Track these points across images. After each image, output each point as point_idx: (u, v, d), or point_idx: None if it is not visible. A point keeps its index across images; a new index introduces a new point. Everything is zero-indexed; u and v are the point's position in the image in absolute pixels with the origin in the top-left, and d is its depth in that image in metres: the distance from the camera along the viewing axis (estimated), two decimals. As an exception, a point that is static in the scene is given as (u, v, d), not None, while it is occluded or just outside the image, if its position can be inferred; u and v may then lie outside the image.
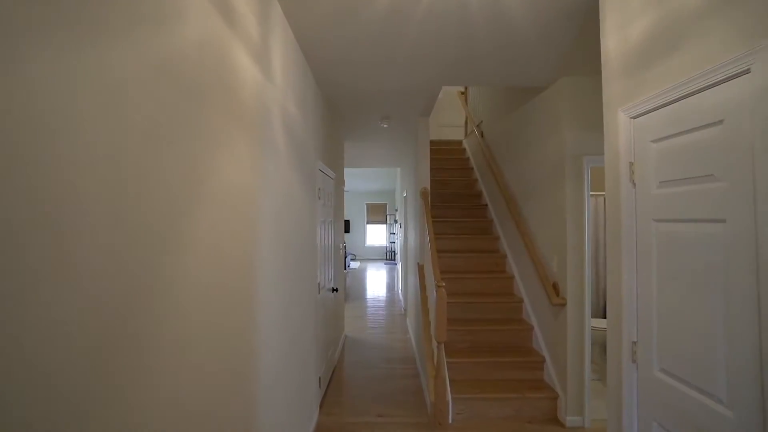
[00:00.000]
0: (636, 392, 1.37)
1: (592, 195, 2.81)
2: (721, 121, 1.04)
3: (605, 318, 3.70)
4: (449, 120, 6.43)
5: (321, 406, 2.96)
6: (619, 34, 1.49)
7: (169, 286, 0.88)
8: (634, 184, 1.40)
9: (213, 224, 1.10)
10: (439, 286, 2.52)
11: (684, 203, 1.18)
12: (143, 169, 0.79)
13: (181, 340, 0.93)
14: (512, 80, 2.79)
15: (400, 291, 7.38)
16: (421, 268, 3.66)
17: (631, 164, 1.41)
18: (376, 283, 8.95)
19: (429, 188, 3.67)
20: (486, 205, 4.53)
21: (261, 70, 1.53)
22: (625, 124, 1.44)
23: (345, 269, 10.05)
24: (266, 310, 1.60)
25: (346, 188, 12.08)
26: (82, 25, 0.64)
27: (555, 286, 2.76)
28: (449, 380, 2.75)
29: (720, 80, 1.03)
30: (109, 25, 0.70)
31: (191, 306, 0.98)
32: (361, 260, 13.22)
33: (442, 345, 2.54)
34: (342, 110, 3.56)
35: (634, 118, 1.40)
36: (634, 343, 1.39)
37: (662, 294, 1.27)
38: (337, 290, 3.64)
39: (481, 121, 4.89)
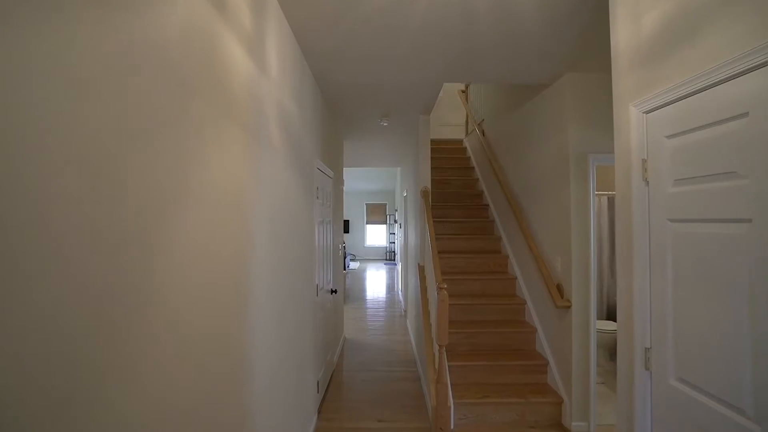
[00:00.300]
0: (650, 402, 1.30)
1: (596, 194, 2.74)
2: (745, 114, 0.97)
3: (609, 320, 3.64)
4: (450, 119, 6.35)
5: (319, 411, 2.89)
6: (630, 25, 1.42)
7: (160, 286, 0.84)
8: (647, 183, 1.33)
9: (204, 224, 1.04)
10: (440, 288, 2.45)
11: (703, 202, 1.11)
12: (129, 166, 0.74)
13: (174, 341, 0.89)
14: (515, 77, 2.72)
15: (400, 292, 7.31)
16: (421, 269, 3.59)
17: (644, 161, 1.34)
18: (375, 283, 8.88)
19: (430, 187, 3.60)
20: (487, 204, 4.46)
21: (254, 63, 1.46)
22: (637, 120, 1.37)
23: (344, 270, 10.00)
24: (261, 311, 1.53)
25: (345, 188, 12.03)
26: (49, 3, 0.57)
27: (559, 288, 2.69)
28: (450, 384, 2.68)
29: (745, 70, 0.96)
30: (82, 5, 0.63)
31: (182, 306, 0.93)
32: (360, 260, 13.16)
33: (444, 348, 2.46)
34: (341, 108, 3.49)
35: (647, 113, 1.33)
36: (648, 349, 1.32)
37: (679, 298, 1.20)
38: (336, 291, 3.57)
39: (483, 120, 4.82)
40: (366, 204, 13.34)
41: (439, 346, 2.45)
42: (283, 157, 1.89)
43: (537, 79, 2.74)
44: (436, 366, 2.69)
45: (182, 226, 0.93)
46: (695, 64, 1.13)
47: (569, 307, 2.55)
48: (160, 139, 0.84)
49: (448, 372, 2.64)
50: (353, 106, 3.43)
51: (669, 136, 1.23)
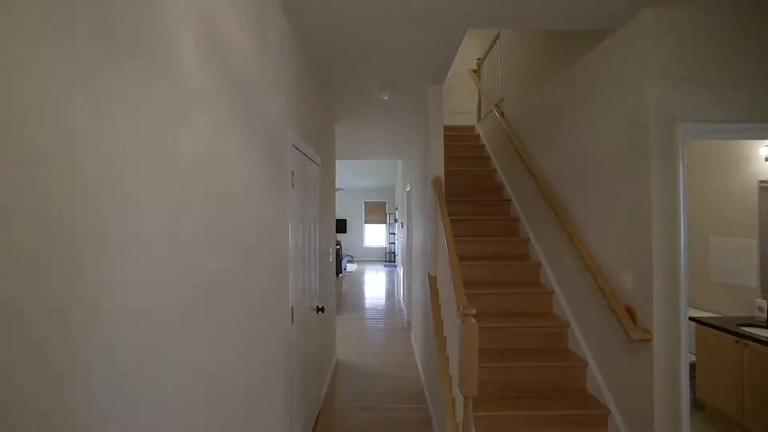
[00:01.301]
0: None
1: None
2: None
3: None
4: (459, 106, 5.62)
5: (297, 477, 2.13)
6: None
7: None
8: None
9: None
10: (466, 315, 1.69)
11: None
12: None
13: None
14: (569, 17, 1.95)
15: (402, 299, 6.54)
16: (433, 281, 2.83)
17: None
18: (374, 288, 8.09)
19: (443, 177, 2.84)
20: (509, 199, 3.70)
21: None
22: None
23: (341, 272, 9.24)
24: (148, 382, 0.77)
25: (341, 185, 11.26)
26: None
27: (629, 311, 1.93)
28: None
29: None
30: None
31: None
32: (359, 262, 12.43)
33: (470, 401, 1.71)
34: (330, 71, 2.71)
35: None
36: None
37: None
38: (323, 309, 2.80)
39: (501, 99, 4.06)
40: (364, 202, 12.59)
41: (465, 397, 1.69)
42: (211, 102, 1.12)
43: (599, 19, 1.97)
44: (458, 420, 1.93)
45: None
46: None
47: (650, 339, 1.79)
48: None
49: (474, 430, 1.88)
50: (345, 70, 2.66)
51: None
